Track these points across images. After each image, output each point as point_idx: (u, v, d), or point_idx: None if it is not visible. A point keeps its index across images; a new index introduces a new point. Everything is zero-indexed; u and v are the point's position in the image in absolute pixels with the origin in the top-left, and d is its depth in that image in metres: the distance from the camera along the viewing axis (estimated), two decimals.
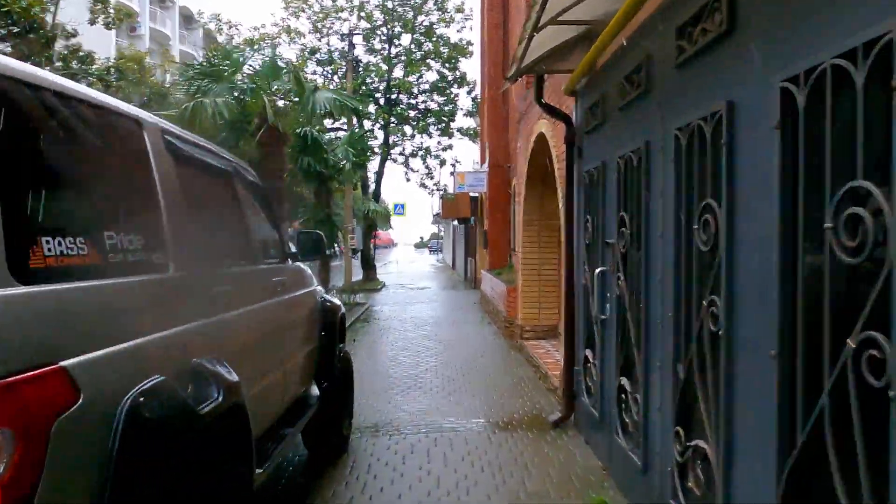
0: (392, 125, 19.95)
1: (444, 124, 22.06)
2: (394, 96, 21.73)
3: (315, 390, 4.54)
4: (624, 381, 3.95)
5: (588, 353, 4.94)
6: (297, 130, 13.30)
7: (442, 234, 52.11)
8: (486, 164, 17.30)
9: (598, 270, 4.48)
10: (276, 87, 9.25)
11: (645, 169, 3.55)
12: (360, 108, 11.74)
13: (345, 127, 19.56)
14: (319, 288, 5.08)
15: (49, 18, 17.39)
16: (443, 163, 21.90)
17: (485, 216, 17.25)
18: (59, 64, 19.88)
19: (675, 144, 3.08)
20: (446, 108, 22.01)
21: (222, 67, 8.76)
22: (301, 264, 4.76)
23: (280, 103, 9.25)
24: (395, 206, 36.56)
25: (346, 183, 14.68)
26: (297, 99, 8.98)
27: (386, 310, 15.51)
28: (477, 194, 20.31)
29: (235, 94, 8.70)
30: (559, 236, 9.59)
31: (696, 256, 2.83)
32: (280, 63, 8.19)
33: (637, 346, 3.70)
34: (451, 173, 22.65)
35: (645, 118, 3.60)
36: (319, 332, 4.63)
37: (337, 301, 5.20)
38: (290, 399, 3.88)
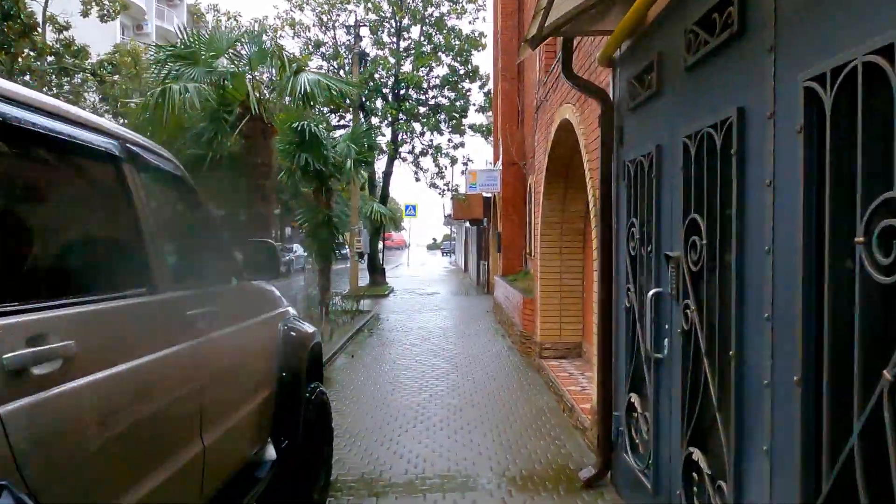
0: (400, 121, 18.84)
1: (455, 121, 20.91)
2: (402, 91, 20.61)
3: (271, 451, 3.41)
4: (697, 454, 2.78)
5: (634, 398, 3.76)
6: (294, 125, 12.22)
7: (454, 235, 50.97)
8: (499, 162, 16.15)
9: (651, 292, 3.31)
10: (262, 73, 8.14)
11: (738, 150, 2.38)
12: (351, 90, 10.58)
13: (351, 124, 18.50)
14: (286, 310, 3.95)
15: (36, 8, 16.47)
16: (454, 161, 20.76)
17: (498, 217, 16.10)
18: (51, 59, 19.03)
19: (805, 105, 1.91)
20: (458, 104, 20.85)
21: (199, 49, 7.66)
22: (260, 284, 3.65)
23: (266, 91, 8.12)
24: (407, 207, 35.57)
25: (349, 182, 13.56)
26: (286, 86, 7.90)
27: (392, 319, 14.38)
28: (490, 195, 19.14)
29: (214, 79, 7.61)
30: (585, 241, 8.41)
31: (864, 285, 1.66)
32: (265, 39, 7.09)
33: (722, 413, 2.52)
34: (463, 172, 21.48)
35: (738, 74, 2.43)
36: (279, 373, 3.50)
37: (307, 328, 4.07)
38: (220, 479, 2.74)
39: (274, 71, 8.00)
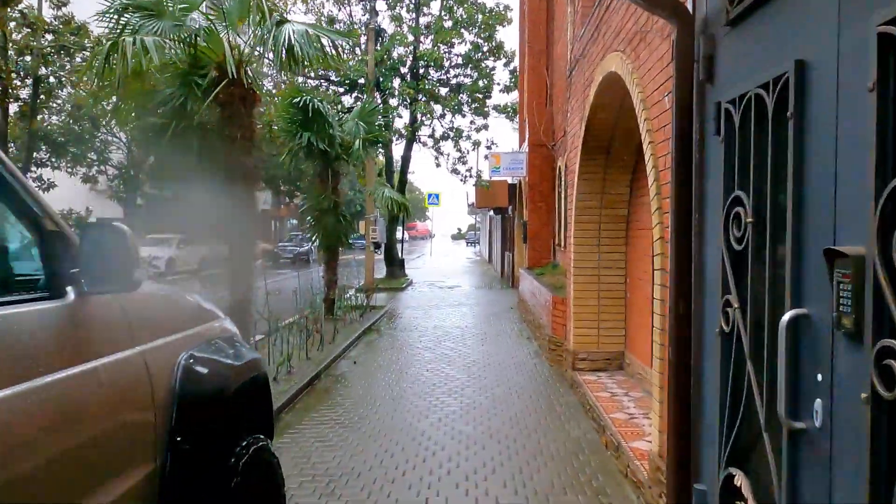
0: (419, 101, 17.48)
1: (477, 102, 19.44)
2: (421, 70, 19.21)
3: None
4: None
5: (739, 477, 2.38)
6: (296, 100, 10.95)
7: (479, 225, 49.57)
8: (525, 144, 14.70)
9: (788, 316, 1.92)
10: (247, 33, 6.83)
11: None
12: (347, 42, 9.22)
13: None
14: (205, 329, 2.65)
15: None
16: (476, 145, 19.33)
17: (524, 205, 14.68)
18: (50, 37, 18.02)
19: None
20: (480, 84, 19.36)
21: (166, 1, 6.39)
22: (155, 292, 2.34)
23: (247, 49, 6.82)
24: (430, 195, 34.24)
25: (358, 164, 12.26)
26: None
27: (406, 315, 13.09)
28: (515, 180, 17.72)
29: (183, 35, 6.32)
30: (628, 230, 6.98)
31: None
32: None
33: None
34: (486, 157, 20.03)
35: None
36: (170, 437, 2.20)
37: (242, 354, 2.76)
38: None
39: (258, 28, 6.68)
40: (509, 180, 23.07)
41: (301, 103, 10.85)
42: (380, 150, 18.62)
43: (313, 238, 11.66)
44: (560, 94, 12.87)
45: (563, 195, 12.22)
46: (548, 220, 13.68)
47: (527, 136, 14.61)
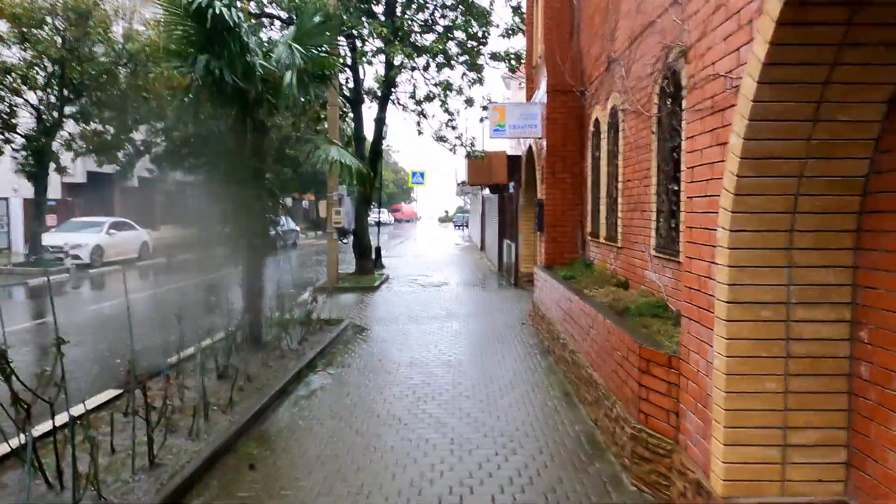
0: (395, 44, 13.22)
1: (470, 53, 15.20)
2: (399, 6, 14.93)
3: None
4: None
5: None
6: (188, 0, 6.80)
7: (468, 207, 45.43)
8: (540, 92, 10.60)
9: None
10: None
11: None
12: None
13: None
14: None
15: None
16: (469, 103, 15.17)
17: (539, 178, 10.63)
18: None
19: None
20: (474, 29, 15.09)
21: None
22: None
23: None
24: (413, 173, 30.13)
25: (290, 109, 8.11)
26: None
27: (371, 338, 9.04)
28: (523, 146, 13.66)
29: None
30: (870, 219, 2.92)
31: None
32: None
33: None
34: (484, 109, 15.88)
35: None
36: None
37: None
38: None
39: None
40: (511, 149, 18.95)
41: (196, 6, 6.69)
42: (347, 105, 14.34)
43: (224, 227, 7.53)
44: (590, 23, 8.78)
45: (601, 160, 8.20)
46: (575, 198, 9.65)
47: (542, 82, 10.51)
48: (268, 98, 7.45)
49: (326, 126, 14.41)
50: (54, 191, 28.29)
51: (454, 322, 10.11)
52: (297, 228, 34.37)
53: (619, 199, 7.22)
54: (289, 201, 52.75)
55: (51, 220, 25.06)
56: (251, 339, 7.59)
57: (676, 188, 5.25)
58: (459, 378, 6.71)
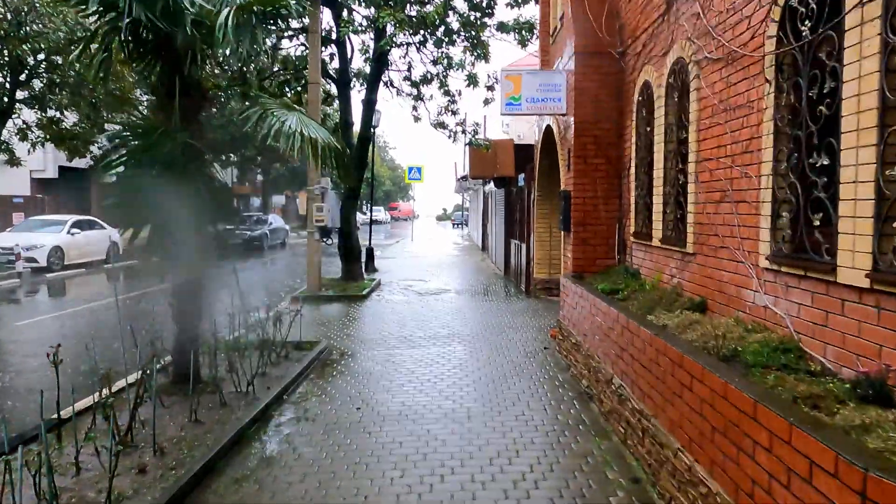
0: (385, 10, 11.08)
1: (474, 28, 13.09)
2: None
3: None
4: None
5: None
6: None
7: (468, 204, 43.42)
8: (563, 60, 8.54)
9: None
10: None
11: None
12: None
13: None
14: None
15: None
16: (473, 81, 13.08)
17: (566, 164, 8.58)
18: None
19: None
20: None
21: None
22: None
23: None
24: (410, 168, 28.17)
25: (228, 63, 6.04)
26: None
27: (352, 369, 6.98)
28: (539, 126, 11.68)
29: None
30: None
31: None
32: None
33: None
34: (487, 100, 13.86)
35: None
36: None
37: None
38: None
39: None
40: (520, 138, 16.91)
41: None
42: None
43: (135, 222, 5.46)
44: None
45: (655, 135, 6.15)
46: (611, 189, 7.62)
47: (565, 48, 8.45)
48: (202, 48, 5.39)
49: (307, 109, 12.34)
50: (22, 187, 26.18)
51: (457, 345, 8.07)
52: (287, 227, 32.23)
53: (691, 187, 5.18)
54: (282, 199, 50.57)
55: (17, 218, 22.97)
56: (180, 379, 5.55)
57: (824, 162, 3.22)
58: (469, 445, 4.66)
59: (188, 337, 5.73)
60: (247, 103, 5.32)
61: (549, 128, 9.75)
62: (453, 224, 57.25)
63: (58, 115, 17.04)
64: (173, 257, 5.55)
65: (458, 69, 12.79)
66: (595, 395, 5.60)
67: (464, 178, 25.97)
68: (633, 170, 7.05)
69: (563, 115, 8.28)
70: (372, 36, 13.60)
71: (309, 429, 5.08)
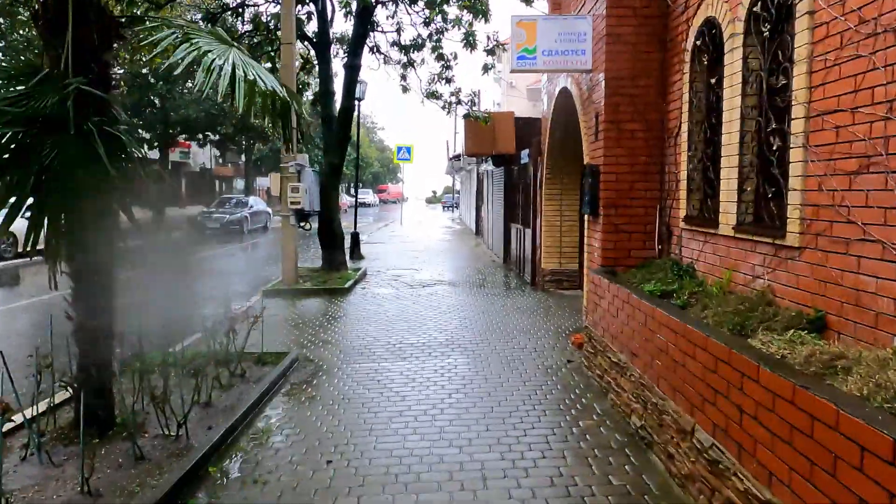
0: None
1: None
2: None
3: None
4: None
5: None
6: None
7: (459, 185, 41.76)
8: (586, 6, 6.90)
9: None
10: None
11: None
12: None
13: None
14: None
15: None
16: (470, 42, 11.43)
17: (584, 133, 7.00)
18: None
19: None
20: None
21: None
22: None
23: None
24: (399, 148, 26.56)
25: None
26: None
27: (322, 397, 5.40)
28: (537, 112, 10.12)
29: None
30: None
31: None
32: None
33: None
34: (488, 66, 12.22)
35: None
36: None
37: None
38: None
39: None
40: (521, 111, 15.23)
41: None
42: None
43: (23, 206, 3.88)
44: None
45: (725, 90, 4.60)
46: (650, 163, 6.07)
47: None
48: None
49: (279, 76, 10.68)
50: None
51: (458, 356, 6.53)
52: (270, 210, 30.47)
53: (796, 153, 3.65)
54: (266, 181, 48.41)
55: None
56: (89, 419, 3.98)
57: None
58: None
59: (97, 360, 4.17)
60: (165, 31, 3.64)
61: (564, 91, 8.14)
62: (444, 207, 55.67)
63: None
64: (68, 251, 3.97)
65: (453, 26, 11.11)
66: (657, 443, 4.09)
67: (457, 157, 24.35)
68: (683, 136, 5.50)
69: (589, 71, 6.69)
70: None
71: (257, 502, 3.54)
